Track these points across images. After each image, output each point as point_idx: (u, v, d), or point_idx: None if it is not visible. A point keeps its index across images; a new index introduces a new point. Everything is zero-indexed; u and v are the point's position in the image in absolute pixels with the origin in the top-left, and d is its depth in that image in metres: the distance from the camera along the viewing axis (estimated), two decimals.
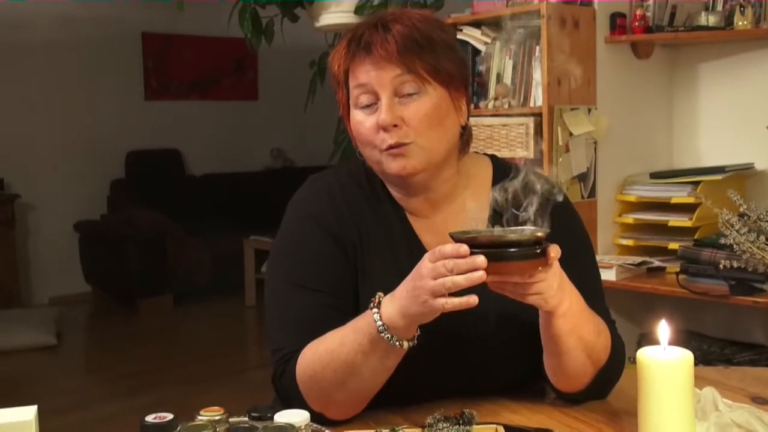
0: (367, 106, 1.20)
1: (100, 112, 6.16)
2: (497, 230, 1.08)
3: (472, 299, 1.01)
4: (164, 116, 6.50)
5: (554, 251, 1.02)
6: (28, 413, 0.87)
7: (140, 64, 6.41)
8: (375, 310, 1.08)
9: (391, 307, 1.07)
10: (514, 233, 1.04)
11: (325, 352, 1.14)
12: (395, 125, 1.17)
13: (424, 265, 1.03)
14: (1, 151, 5.67)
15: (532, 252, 1.00)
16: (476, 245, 1.00)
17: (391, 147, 1.18)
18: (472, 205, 1.28)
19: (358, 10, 3.23)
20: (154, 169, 6.33)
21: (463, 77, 1.24)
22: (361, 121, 1.20)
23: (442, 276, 1.01)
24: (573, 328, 1.13)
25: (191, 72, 6.67)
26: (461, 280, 1.00)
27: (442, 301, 1.02)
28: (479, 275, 0.99)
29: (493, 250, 0.99)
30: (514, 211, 1.11)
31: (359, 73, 1.20)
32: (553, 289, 1.06)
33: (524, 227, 1.07)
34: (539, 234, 1.02)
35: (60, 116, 5.97)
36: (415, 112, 1.18)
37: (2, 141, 5.70)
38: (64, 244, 5.91)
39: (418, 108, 1.18)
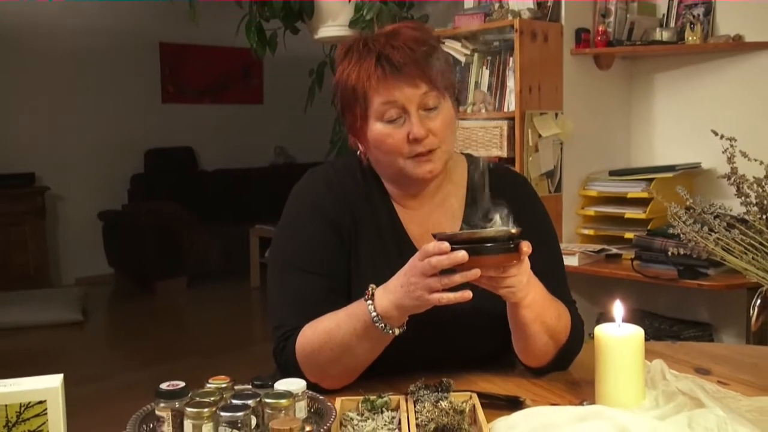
0: (394, 120, 1.18)
1: (122, 113, 6.12)
2: (475, 229, 1.08)
3: (467, 294, 1.01)
4: (179, 118, 6.47)
5: (526, 246, 1.02)
6: (55, 380, 0.87)
7: (158, 71, 6.36)
8: (369, 301, 1.08)
9: (385, 299, 1.07)
10: (489, 231, 1.04)
11: (323, 333, 1.14)
12: (426, 136, 1.18)
13: (415, 263, 1.03)
14: (33, 148, 5.64)
15: (507, 246, 1.01)
16: (456, 242, 1.00)
17: (420, 154, 1.19)
18: (452, 200, 1.29)
19: (352, 24, 3.23)
20: (170, 164, 6.29)
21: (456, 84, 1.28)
22: (389, 133, 1.19)
23: (432, 273, 1.00)
24: (537, 316, 1.14)
25: (203, 78, 6.62)
26: (458, 278, 1.00)
27: (437, 296, 1.02)
28: (475, 273, 0.99)
29: (472, 246, 0.99)
30: (487, 205, 1.11)
31: (389, 90, 1.17)
32: (522, 284, 1.06)
33: (499, 227, 1.07)
34: (513, 231, 1.02)
35: (86, 117, 5.92)
36: (441, 124, 1.19)
37: (34, 140, 5.67)
38: (89, 231, 5.87)
39: (442, 120, 1.20)
